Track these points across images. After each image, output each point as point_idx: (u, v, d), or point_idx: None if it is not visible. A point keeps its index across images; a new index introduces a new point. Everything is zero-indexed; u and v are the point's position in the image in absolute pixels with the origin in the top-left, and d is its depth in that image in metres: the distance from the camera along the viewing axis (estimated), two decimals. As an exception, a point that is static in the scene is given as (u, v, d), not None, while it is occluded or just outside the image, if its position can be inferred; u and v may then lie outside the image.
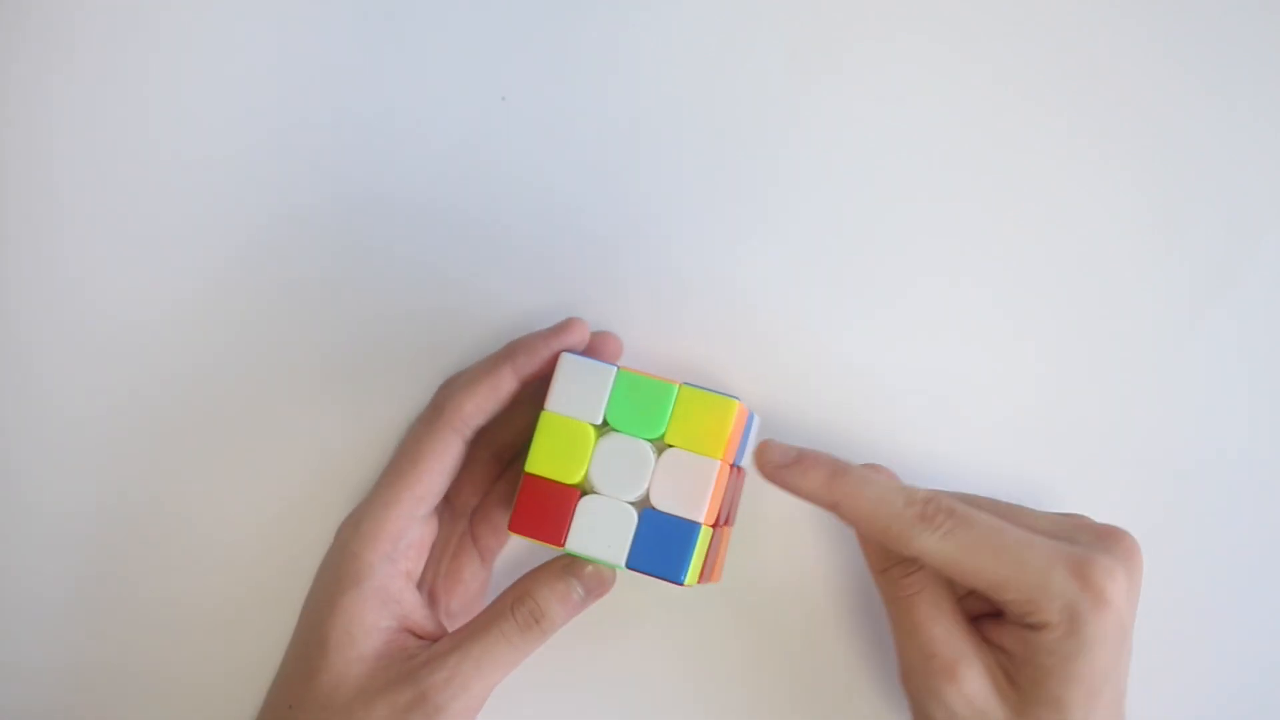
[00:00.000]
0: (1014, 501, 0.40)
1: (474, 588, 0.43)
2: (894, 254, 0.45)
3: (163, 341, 0.44)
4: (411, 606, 0.40)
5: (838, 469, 0.37)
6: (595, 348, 0.42)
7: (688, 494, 0.37)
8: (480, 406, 0.40)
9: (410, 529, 0.40)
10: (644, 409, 0.38)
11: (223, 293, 0.44)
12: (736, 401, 0.38)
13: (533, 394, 0.40)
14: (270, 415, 0.44)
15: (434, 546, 0.42)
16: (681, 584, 0.37)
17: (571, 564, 0.39)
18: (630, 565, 0.37)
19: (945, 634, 0.37)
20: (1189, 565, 0.45)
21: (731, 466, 0.39)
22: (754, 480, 0.40)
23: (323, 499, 0.43)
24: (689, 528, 0.37)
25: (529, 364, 0.40)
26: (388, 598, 0.39)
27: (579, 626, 0.40)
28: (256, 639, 0.43)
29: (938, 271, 0.45)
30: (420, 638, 0.40)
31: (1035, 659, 0.36)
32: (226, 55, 0.45)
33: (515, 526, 0.38)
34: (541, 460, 0.38)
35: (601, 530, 0.38)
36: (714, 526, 0.39)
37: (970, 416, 0.45)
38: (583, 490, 0.38)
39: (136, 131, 0.44)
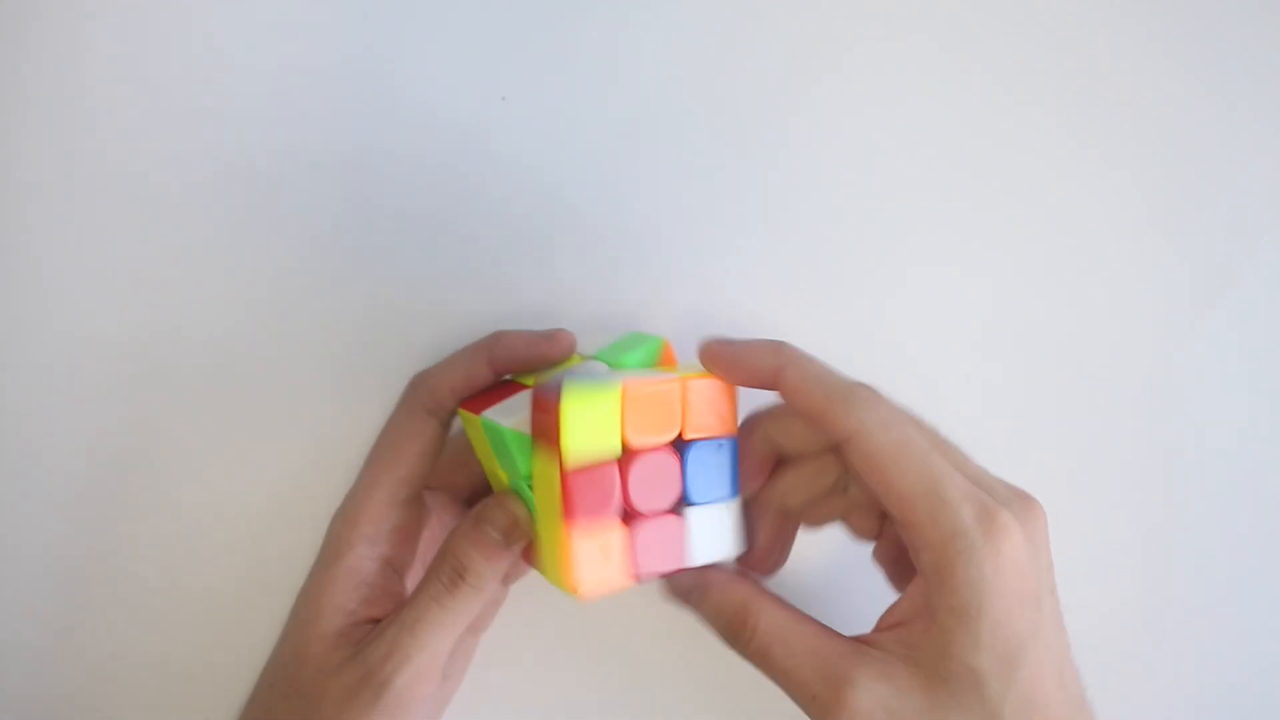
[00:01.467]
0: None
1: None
2: (894, 254, 0.45)
3: (157, 333, 0.44)
4: (383, 593, 0.39)
5: (782, 346, 0.37)
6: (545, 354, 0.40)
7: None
8: (453, 388, 0.40)
9: (393, 512, 0.40)
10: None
11: (219, 287, 0.44)
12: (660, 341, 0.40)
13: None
14: (264, 407, 0.44)
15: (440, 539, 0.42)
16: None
17: (483, 510, 0.38)
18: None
19: (813, 668, 0.35)
20: (1188, 564, 0.45)
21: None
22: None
23: (315, 491, 0.43)
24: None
25: (507, 361, 0.40)
26: (359, 580, 0.39)
27: (586, 635, 0.40)
28: (247, 629, 0.43)
29: (938, 271, 0.45)
30: None
31: (937, 619, 0.34)
32: (226, 54, 0.44)
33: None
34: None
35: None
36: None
37: (970, 415, 0.44)
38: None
39: (134, 130, 0.44)
